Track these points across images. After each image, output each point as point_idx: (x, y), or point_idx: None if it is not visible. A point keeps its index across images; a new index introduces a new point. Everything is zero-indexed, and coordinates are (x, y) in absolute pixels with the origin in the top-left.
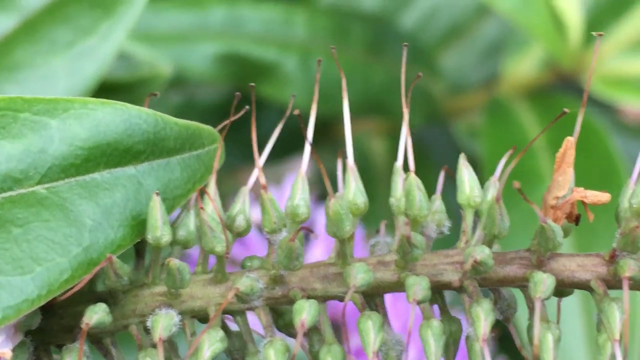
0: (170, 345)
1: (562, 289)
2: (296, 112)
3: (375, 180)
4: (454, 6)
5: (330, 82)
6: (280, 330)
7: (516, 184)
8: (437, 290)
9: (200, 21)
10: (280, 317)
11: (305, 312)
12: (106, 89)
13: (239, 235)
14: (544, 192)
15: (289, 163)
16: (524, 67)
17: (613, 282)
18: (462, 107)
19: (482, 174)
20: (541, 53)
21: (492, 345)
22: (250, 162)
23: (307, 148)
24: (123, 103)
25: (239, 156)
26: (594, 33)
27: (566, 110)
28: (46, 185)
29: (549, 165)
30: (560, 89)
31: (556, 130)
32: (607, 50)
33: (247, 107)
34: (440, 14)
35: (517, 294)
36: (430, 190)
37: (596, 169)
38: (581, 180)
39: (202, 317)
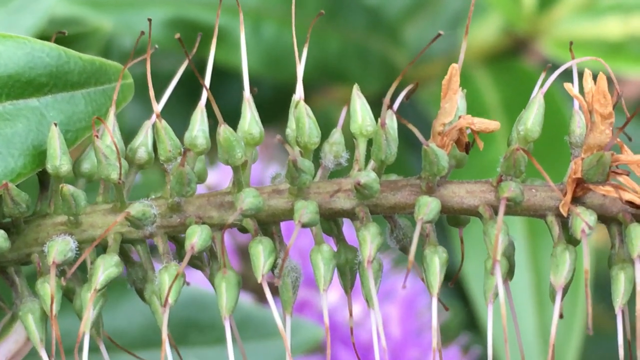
0: (74, 275)
1: (455, 215)
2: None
3: None
4: None
5: (283, 48)
6: (182, 261)
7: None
8: (331, 218)
9: None
10: (182, 248)
11: (195, 236)
12: None
13: (141, 167)
14: (497, 151)
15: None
16: (482, 34)
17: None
18: (426, 77)
19: None
20: (498, 20)
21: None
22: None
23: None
24: (26, 37)
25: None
26: None
27: (441, 32)
28: None
29: (502, 124)
30: (518, 54)
31: (510, 90)
32: (560, 14)
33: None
34: None
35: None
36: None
37: (551, 132)
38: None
39: (104, 246)
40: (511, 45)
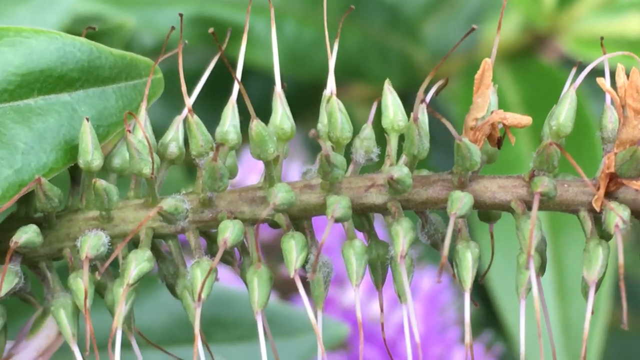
0: (105, 270)
1: (487, 210)
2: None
3: None
4: None
5: (304, 45)
6: (214, 256)
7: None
8: (363, 213)
9: None
10: (214, 243)
11: (228, 231)
12: None
13: (172, 162)
14: (518, 147)
15: None
16: (502, 32)
17: (532, 203)
18: (445, 74)
19: None
20: (518, 18)
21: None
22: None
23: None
24: (58, 32)
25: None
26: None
27: (474, 26)
28: None
29: None
30: (537, 51)
31: (530, 87)
32: (580, 11)
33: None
34: None
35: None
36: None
37: (574, 129)
38: None
39: (136, 241)
40: (530, 43)
